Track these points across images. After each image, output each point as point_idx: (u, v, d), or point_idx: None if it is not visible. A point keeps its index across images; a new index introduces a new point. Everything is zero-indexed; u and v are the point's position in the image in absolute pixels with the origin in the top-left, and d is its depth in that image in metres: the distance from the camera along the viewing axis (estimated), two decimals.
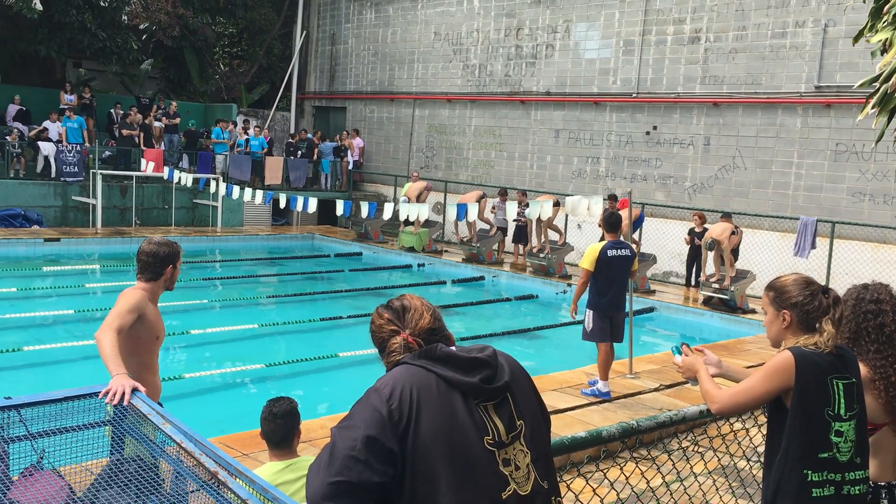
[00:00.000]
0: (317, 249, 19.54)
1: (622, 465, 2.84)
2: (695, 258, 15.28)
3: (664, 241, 16.54)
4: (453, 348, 2.12)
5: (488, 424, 2.00)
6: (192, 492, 2.86)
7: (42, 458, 3.09)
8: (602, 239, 8.46)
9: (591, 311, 8.00)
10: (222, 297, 13.54)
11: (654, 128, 17.99)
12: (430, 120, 22.80)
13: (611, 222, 8.11)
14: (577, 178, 19.32)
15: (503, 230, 17.74)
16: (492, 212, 17.58)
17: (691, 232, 15.14)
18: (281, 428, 3.48)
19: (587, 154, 19.18)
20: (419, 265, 17.51)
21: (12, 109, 19.77)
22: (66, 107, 19.95)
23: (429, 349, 2.07)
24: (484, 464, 1.95)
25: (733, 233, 13.75)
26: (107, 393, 3.17)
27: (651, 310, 13.83)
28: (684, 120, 17.53)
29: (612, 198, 15.62)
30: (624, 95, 18.42)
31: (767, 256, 14.90)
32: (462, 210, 12.00)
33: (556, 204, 14.88)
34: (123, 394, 3.16)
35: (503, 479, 1.97)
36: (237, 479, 2.65)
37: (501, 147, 21.00)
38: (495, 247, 17.62)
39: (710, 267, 14.27)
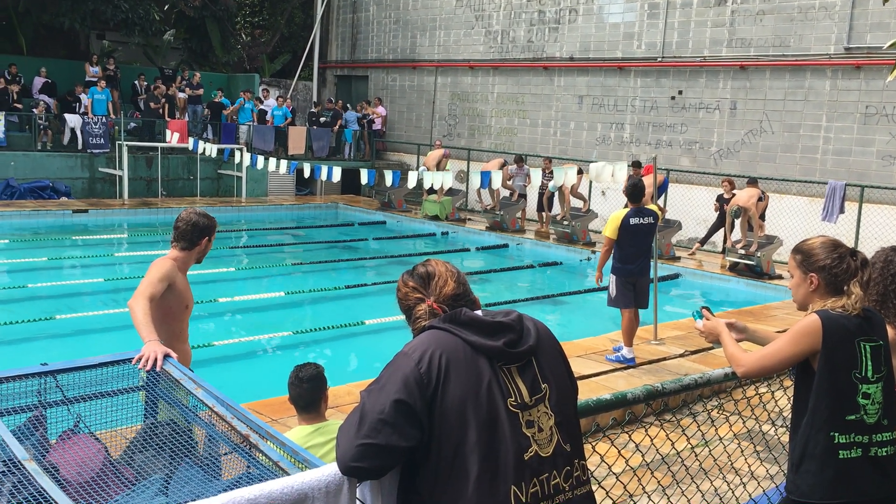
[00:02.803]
0: (341, 218, 19.62)
1: (647, 428, 2.86)
2: (722, 225, 15.14)
3: (690, 208, 16.40)
4: (478, 312, 2.14)
5: (511, 387, 2.04)
6: (225, 454, 2.93)
7: (78, 422, 3.17)
8: (626, 206, 8.42)
9: (615, 278, 8.02)
10: (248, 266, 13.66)
11: (680, 92, 17.75)
12: (453, 87, 22.66)
13: (634, 192, 8.08)
14: (601, 145, 19.16)
15: (523, 197, 17.68)
16: (508, 179, 17.53)
17: (720, 198, 14.98)
18: (307, 392, 3.54)
19: (611, 120, 18.99)
20: (443, 233, 17.53)
21: (38, 82, 19.92)
22: (91, 79, 20.07)
23: (454, 313, 2.10)
24: (507, 425, 1.98)
25: (760, 199, 13.61)
26: (140, 359, 3.23)
27: (676, 276, 13.78)
28: (710, 84, 17.28)
29: (637, 164, 15.49)
30: (649, 60, 18.17)
31: (795, 221, 14.73)
32: (486, 177, 11.97)
33: (580, 171, 14.80)
34: (156, 360, 3.22)
35: (526, 440, 2.00)
36: (268, 442, 2.71)
37: (524, 114, 20.85)
38: (518, 214, 17.59)
39: (736, 233, 14.15)
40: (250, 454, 2.77)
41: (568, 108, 19.86)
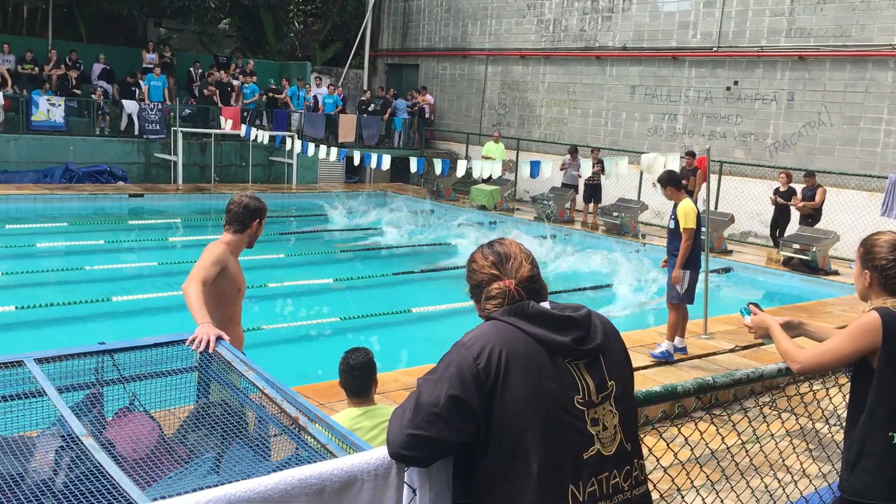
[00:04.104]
0: (388, 206, 19.69)
1: (697, 422, 2.82)
2: (778, 219, 14.82)
3: (743, 201, 16.09)
4: (546, 304, 2.08)
5: (579, 383, 1.99)
6: (274, 436, 2.97)
7: (134, 400, 3.24)
8: (668, 197, 8.04)
9: (689, 272, 7.78)
10: (297, 252, 13.82)
11: (735, 83, 17.40)
12: (503, 77, 22.56)
13: (678, 179, 7.93)
14: (653, 136, 18.90)
15: (574, 188, 17.55)
16: (561, 169, 17.38)
17: (777, 191, 14.67)
18: (359, 379, 3.56)
19: (664, 111, 18.71)
20: (491, 223, 17.49)
21: (97, 68, 20.37)
22: (148, 66, 20.47)
23: (520, 306, 2.04)
24: (571, 422, 1.94)
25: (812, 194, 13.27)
26: (193, 340, 3.29)
27: (728, 270, 13.55)
28: (767, 75, 16.89)
29: (690, 154, 15.25)
30: (704, 49, 17.83)
31: (853, 216, 14.35)
32: (536, 168, 11.90)
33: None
34: (209, 342, 3.27)
35: (589, 438, 1.96)
36: (317, 425, 2.74)
37: (575, 104, 20.66)
38: (568, 205, 17.46)
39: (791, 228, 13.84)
40: (299, 436, 2.81)
41: (619, 98, 19.62)
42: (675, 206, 7.85)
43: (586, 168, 12.59)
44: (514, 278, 2.11)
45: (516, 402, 1.91)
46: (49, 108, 17.85)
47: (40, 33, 21.77)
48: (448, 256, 13.80)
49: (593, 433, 1.97)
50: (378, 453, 1.91)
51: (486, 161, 14.56)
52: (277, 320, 9.62)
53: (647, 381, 6.85)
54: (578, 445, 1.94)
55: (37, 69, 19.11)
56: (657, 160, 8.63)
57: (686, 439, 2.66)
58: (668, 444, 2.59)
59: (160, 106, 19.19)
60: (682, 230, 7.70)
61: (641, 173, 16.70)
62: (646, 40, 18.99)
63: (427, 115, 23.79)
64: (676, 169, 8.74)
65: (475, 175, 14.10)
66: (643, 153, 11.85)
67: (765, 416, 3.17)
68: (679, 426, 2.68)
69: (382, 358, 8.31)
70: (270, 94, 21.73)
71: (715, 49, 17.61)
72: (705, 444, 2.89)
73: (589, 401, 1.98)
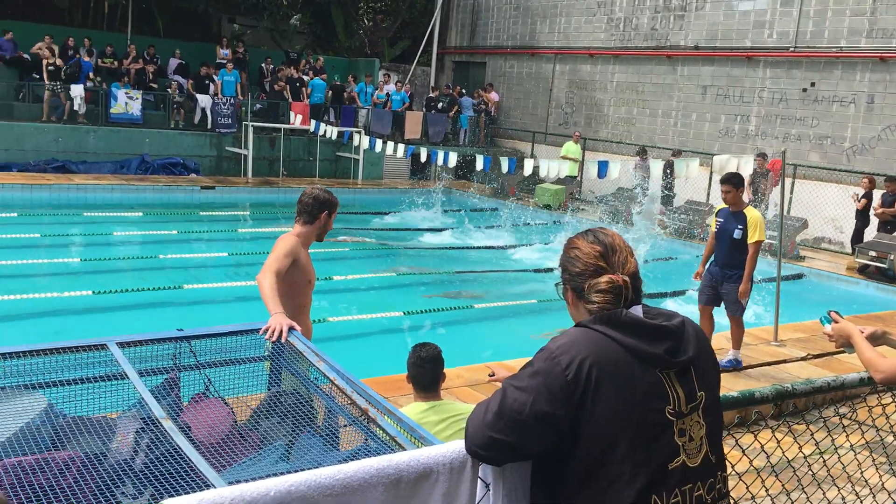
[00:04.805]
0: (452, 204, 19.74)
1: (774, 429, 2.75)
2: (861, 227, 14.32)
3: (818, 206, 15.63)
4: (639, 309, 2.01)
5: (670, 394, 1.93)
6: (343, 427, 3.00)
7: (209, 386, 3.32)
8: (729, 202, 7.46)
9: (752, 284, 7.47)
10: (362, 246, 13.96)
11: (812, 84, 16.90)
12: (571, 75, 22.37)
13: (743, 182, 7.53)
14: (724, 137, 18.50)
15: (642, 189, 17.29)
16: (634, 171, 17.15)
17: (860, 196, 14.18)
18: (429, 372, 3.59)
19: (736, 112, 18.29)
20: (555, 222, 17.37)
21: (173, 63, 20.93)
22: (221, 61, 20.94)
23: (614, 314, 1.95)
24: (660, 434, 1.90)
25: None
26: (266, 330, 3.35)
27: (800, 276, 13.18)
28: (846, 76, 16.36)
29: (762, 156, 14.88)
30: (780, 50, 17.37)
31: None
32: (604, 168, 11.77)
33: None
34: (282, 331, 3.33)
35: (675, 449, 1.91)
36: (386, 417, 2.76)
37: (644, 104, 20.36)
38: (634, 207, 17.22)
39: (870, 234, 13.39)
40: (368, 428, 2.83)
41: (690, 98, 19.26)
42: (730, 210, 7.38)
43: (656, 169, 12.37)
44: (621, 272, 2.01)
45: (606, 413, 1.86)
46: (127, 101, 18.41)
47: (120, 28, 22.48)
48: (510, 255, 13.76)
49: (680, 444, 1.92)
50: (454, 446, 1.92)
51: (561, 161, 14.43)
52: (341, 313, 9.74)
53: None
54: (665, 456, 1.89)
55: (115, 63, 19.73)
56: (730, 162, 8.42)
57: (762, 447, 2.59)
58: (743, 451, 2.53)
59: (232, 100, 19.61)
60: (750, 242, 7.19)
61: (711, 175, 16.37)
62: (719, 39, 18.60)
63: (492, 113, 23.76)
64: (749, 171, 8.53)
65: (542, 174, 14.01)
66: (714, 154, 11.61)
67: (844, 427, 3.08)
68: (756, 433, 2.62)
69: (444, 354, 8.35)
70: (337, 90, 21.99)
71: (791, 49, 17.13)
72: (782, 452, 2.82)
73: (678, 411, 1.93)
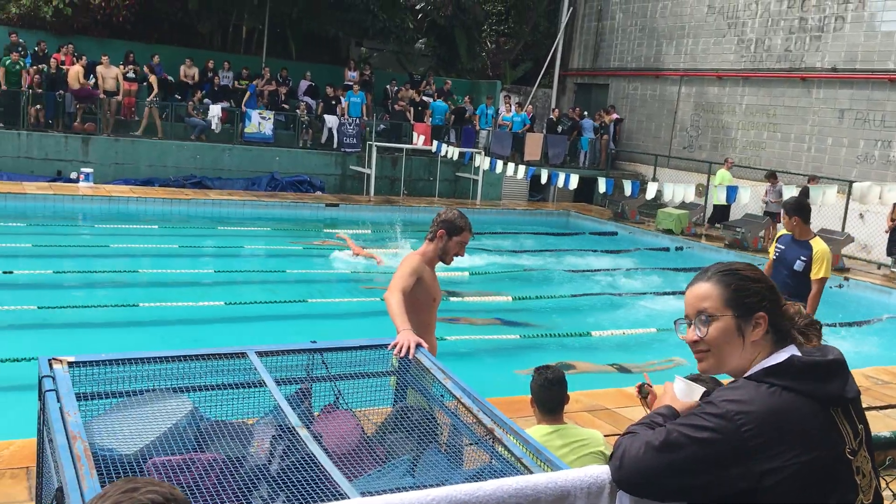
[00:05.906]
0: (572, 227, 19.57)
1: None
2: None
3: None
4: (795, 348, 1.94)
5: (844, 432, 1.87)
6: (468, 445, 3.02)
7: (338, 398, 3.42)
8: (796, 233, 6.62)
9: None
10: (479, 268, 14.03)
11: None
12: (697, 98, 21.82)
13: (809, 210, 6.70)
14: (863, 163, 17.55)
15: (772, 216, 16.61)
16: (764, 197, 16.54)
17: None
18: (556, 395, 3.57)
19: (877, 137, 17.33)
20: (677, 248, 16.92)
21: (303, 85, 21.81)
22: (348, 83, 21.65)
23: (787, 365, 1.88)
24: (844, 477, 1.84)
25: None
26: (395, 346, 3.42)
27: None
28: None
29: None
30: None
31: None
32: (733, 193, 11.40)
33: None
34: (409, 348, 3.39)
35: (854, 488, 1.85)
36: (511, 438, 2.76)
37: (775, 127, 19.61)
38: (762, 233, 16.56)
39: None
40: (493, 448, 2.84)
41: (826, 122, 18.41)
42: (793, 237, 6.59)
43: (788, 194, 11.91)
44: (785, 319, 1.97)
45: (787, 469, 1.79)
46: (260, 122, 19.31)
47: (256, 52, 23.62)
48: (630, 281, 13.50)
49: (858, 482, 1.86)
50: (592, 471, 1.90)
51: (678, 184, 14.09)
52: (457, 332, 9.80)
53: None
54: (847, 499, 1.84)
55: (246, 84, 20.67)
56: (871, 190, 8.00)
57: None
58: (894, 495, 2.37)
59: (357, 121, 20.21)
60: (815, 279, 6.41)
61: (848, 202, 15.55)
62: (859, 61, 17.71)
63: (614, 135, 23.47)
64: (893, 199, 8.06)
65: (666, 199, 13.70)
66: (851, 181, 11.04)
67: None
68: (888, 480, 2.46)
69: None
70: (458, 112, 22.30)
71: None
72: None
73: (853, 449, 1.87)
